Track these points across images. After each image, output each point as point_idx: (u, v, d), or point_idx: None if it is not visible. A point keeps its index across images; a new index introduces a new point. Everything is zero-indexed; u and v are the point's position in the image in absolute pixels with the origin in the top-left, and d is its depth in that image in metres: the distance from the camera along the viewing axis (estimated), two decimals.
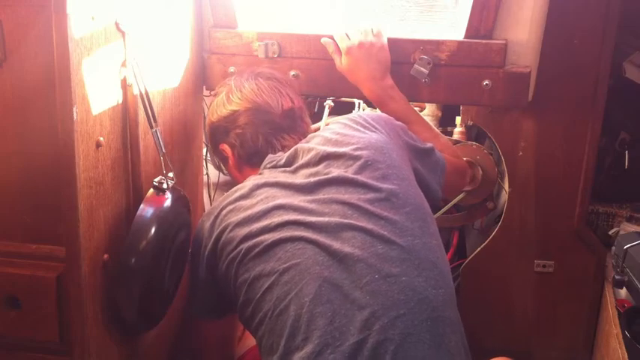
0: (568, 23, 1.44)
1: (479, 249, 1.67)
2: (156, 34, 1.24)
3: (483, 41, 1.40)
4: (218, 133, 1.37)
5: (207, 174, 1.73)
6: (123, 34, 1.09)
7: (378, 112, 1.45)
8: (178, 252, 1.19)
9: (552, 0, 1.39)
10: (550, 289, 1.64)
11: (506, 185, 1.62)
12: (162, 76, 1.28)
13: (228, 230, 1.16)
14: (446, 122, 1.76)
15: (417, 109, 1.62)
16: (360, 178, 1.14)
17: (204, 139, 1.61)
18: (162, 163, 1.18)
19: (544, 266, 1.63)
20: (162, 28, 1.27)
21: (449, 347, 1.02)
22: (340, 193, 1.13)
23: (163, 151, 1.18)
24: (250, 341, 1.41)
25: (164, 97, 1.30)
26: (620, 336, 1.35)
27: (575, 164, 1.54)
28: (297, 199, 1.14)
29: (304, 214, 1.12)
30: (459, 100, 1.51)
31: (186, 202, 1.23)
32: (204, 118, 1.53)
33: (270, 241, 1.10)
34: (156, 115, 1.15)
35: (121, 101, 1.10)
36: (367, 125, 1.24)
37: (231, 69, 1.50)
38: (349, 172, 1.15)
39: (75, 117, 0.95)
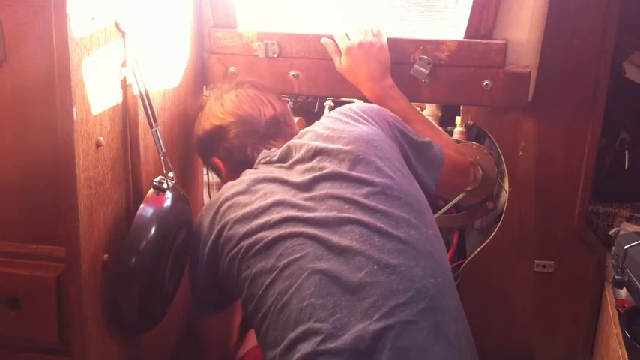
0: (568, 23, 1.44)
1: (479, 249, 1.66)
2: (156, 34, 1.24)
3: (483, 41, 1.40)
4: (207, 148, 1.40)
5: (207, 174, 1.73)
6: (123, 34, 1.09)
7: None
8: (178, 252, 1.19)
9: (552, 0, 1.39)
10: (550, 289, 1.64)
11: (506, 185, 1.62)
12: (162, 76, 1.28)
13: (227, 227, 1.17)
14: (446, 122, 1.76)
15: (417, 109, 1.62)
16: (354, 173, 1.15)
17: None
18: (163, 163, 1.18)
19: (544, 266, 1.63)
20: (162, 28, 1.27)
21: (448, 335, 1.02)
22: (335, 188, 1.14)
23: (163, 151, 1.18)
24: (251, 342, 1.41)
25: (164, 97, 1.30)
26: (620, 336, 1.35)
27: (575, 164, 1.54)
28: (295, 197, 1.15)
29: (302, 210, 1.12)
30: (459, 100, 1.51)
31: (186, 202, 1.23)
32: None
33: (269, 238, 1.11)
34: (156, 115, 1.16)
35: (121, 101, 1.10)
36: (358, 118, 1.24)
37: (232, 69, 1.50)
38: (343, 168, 1.16)
39: (75, 117, 0.95)
